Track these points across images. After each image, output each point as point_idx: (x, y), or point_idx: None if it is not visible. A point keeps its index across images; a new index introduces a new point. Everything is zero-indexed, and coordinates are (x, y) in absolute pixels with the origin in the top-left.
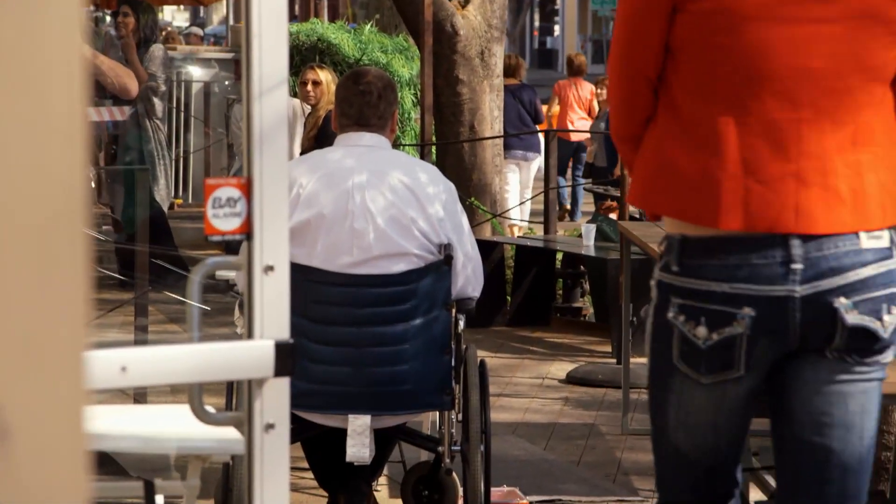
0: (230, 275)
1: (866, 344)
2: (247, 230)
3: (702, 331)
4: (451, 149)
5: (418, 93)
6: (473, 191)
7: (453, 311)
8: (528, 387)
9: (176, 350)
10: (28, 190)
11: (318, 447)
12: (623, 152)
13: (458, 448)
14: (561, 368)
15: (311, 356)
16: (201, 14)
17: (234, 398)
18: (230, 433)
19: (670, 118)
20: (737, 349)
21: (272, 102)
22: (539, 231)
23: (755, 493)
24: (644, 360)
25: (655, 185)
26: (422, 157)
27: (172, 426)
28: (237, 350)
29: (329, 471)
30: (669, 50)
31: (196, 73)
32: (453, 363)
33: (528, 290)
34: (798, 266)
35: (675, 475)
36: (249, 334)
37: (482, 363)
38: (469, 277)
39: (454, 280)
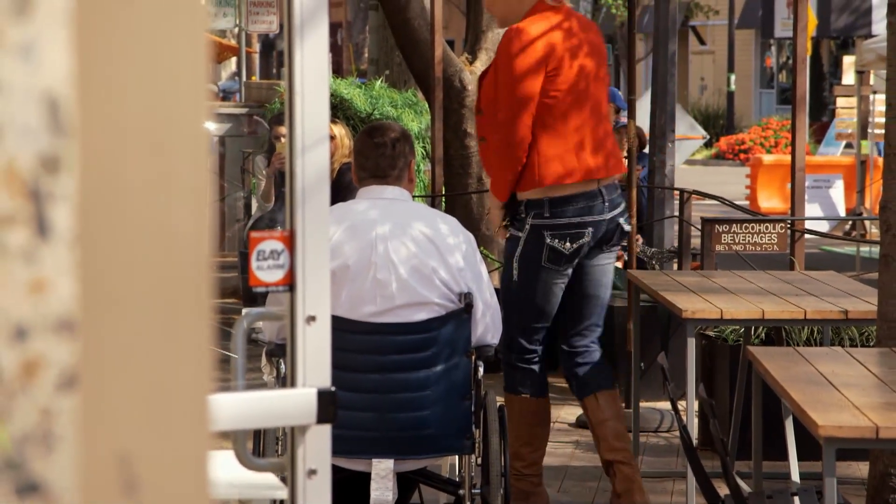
0: (257, 324)
1: (619, 240)
2: (290, 282)
3: (567, 244)
4: (459, 200)
5: (427, 146)
6: (481, 241)
7: (473, 357)
8: None
9: (222, 398)
10: (153, 246)
11: (339, 490)
12: (519, 154)
13: (478, 491)
14: (570, 413)
15: (336, 402)
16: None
17: (262, 443)
18: (270, 479)
19: (544, 132)
20: (582, 251)
21: (314, 158)
22: None
23: None
24: (652, 404)
25: (539, 168)
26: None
27: (215, 471)
28: (281, 398)
29: None
30: (546, 94)
31: (210, 127)
32: (473, 408)
33: None
34: (606, 205)
35: (530, 329)
36: (292, 382)
37: (501, 408)
38: (488, 325)
39: (474, 328)
